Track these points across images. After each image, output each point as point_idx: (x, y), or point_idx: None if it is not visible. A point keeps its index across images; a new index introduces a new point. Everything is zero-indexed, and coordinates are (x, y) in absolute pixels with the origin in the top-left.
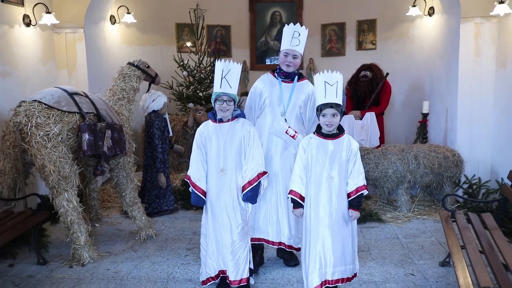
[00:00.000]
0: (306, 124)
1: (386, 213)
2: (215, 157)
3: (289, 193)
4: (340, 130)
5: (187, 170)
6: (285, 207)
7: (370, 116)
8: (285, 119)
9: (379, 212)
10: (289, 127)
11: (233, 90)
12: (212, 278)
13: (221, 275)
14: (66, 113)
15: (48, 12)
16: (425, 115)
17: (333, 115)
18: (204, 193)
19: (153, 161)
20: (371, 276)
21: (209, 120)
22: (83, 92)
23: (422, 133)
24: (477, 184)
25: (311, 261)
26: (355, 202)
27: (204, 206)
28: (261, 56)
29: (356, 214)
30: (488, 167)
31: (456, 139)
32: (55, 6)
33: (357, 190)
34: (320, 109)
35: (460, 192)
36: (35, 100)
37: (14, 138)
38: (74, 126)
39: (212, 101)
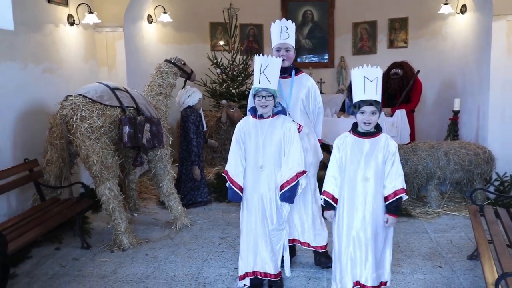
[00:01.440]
0: (311, 117)
1: (415, 208)
2: (254, 154)
3: (321, 194)
4: (378, 129)
5: (220, 165)
6: (300, 201)
7: (401, 113)
8: (289, 114)
9: (408, 208)
10: (293, 120)
11: (272, 85)
12: (248, 274)
13: (254, 276)
14: (108, 107)
15: (91, 12)
16: (456, 113)
17: (372, 113)
18: (241, 189)
19: (188, 155)
20: (399, 267)
21: (249, 115)
22: (124, 88)
23: (453, 130)
24: (509, 181)
25: (343, 266)
26: (393, 206)
27: (241, 202)
28: None
29: (392, 219)
30: None
31: (488, 137)
32: (96, 6)
33: (395, 193)
34: (358, 106)
35: (491, 189)
36: (80, 95)
37: (61, 130)
38: (116, 119)
39: (251, 96)
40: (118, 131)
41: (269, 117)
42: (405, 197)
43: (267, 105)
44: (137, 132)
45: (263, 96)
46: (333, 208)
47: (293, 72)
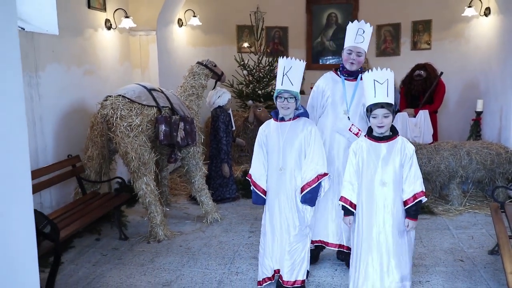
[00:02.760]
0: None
1: (437, 206)
2: (276, 156)
3: (339, 200)
4: (394, 132)
5: (246, 163)
6: (329, 203)
7: (424, 114)
8: (348, 117)
9: (430, 205)
10: (352, 124)
11: (295, 88)
12: (269, 279)
13: (275, 275)
14: (146, 106)
15: (127, 17)
16: (479, 114)
17: (385, 116)
18: (265, 192)
19: (218, 153)
20: (421, 260)
21: (272, 119)
22: (159, 88)
23: (475, 131)
24: None
25: (361, 273)
26: (413, 210)
27: (264, 206)
28: (317, 56)
29: (413, 224)
30: None
31: (510, 137)
32: (131, 11)
33: (414, 197)
34: (370, 109)
35: None
36: (120, 95)
37: (102, 128)
38: (152, 118)
39: (274, 98)
40: (155, 130)
41: (290, 119)
42: (424, 199)
43: (289, 107)
44: (172, 130)
45: (285, 98)
46: (351, 213)
47: (359, 76)
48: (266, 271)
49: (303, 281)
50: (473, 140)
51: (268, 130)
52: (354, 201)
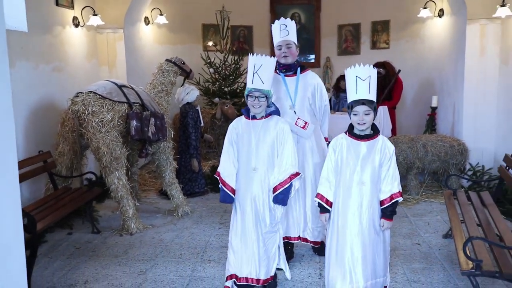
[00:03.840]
0: (318, 116)
1: None
2: (247, 155)
3: (315, 196)
4: (375, 131)
5: (214, 159)
6: (302, 199)
7: (383, 110)
8: (294, 111)
9: None
10: (298, 118)
11: (266, 86)
12: (234, 277)
13: (239, 282)
14: (117, 102)
15: (95, 14)
16: (433, 109)
17: (366, 113)
18: (233, 191)
19: (186, 148)
20: None
21: (242, 116)
22: (129, 85)
23: (430, 125)
24: (480, 171)
25: (339, 273)
26: (389, 211)
27: (233, 204)
28: None
29: (388, 224)
30: (491, 156)
31: (462, 131)
32: (98, 9)
33: (391, 197)
34: (351, 106)
35: (464, 179)
36: (91, 91)
37: (73, 124)
38: (123, 114)
39: (245, 96)
40: (126, 125)
41: (262, 117)
42: (400, 200)
43: (260, 106)
44: (143, 125)
45: (256, 97)
46: (327, 211)
47: (298, 69)
48: (234, 269)
49: (273, 277)
50: (428, 133)
51: (239, 128)
52: (330, 199)
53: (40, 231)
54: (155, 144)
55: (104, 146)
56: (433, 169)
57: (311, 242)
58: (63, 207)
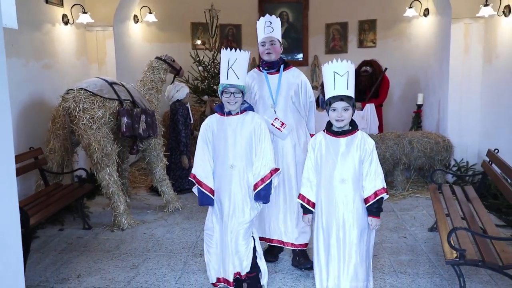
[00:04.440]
0: (303, 113)
1: None
2: (224, 153)
3: (298, 197)
4: (353, 127)
5: None
6: (281, 201)
7: (370, 107)
8: (274, 111)
9: None
10: (275, 118)
11: (241, 81)
12: (223, 278)
13: (222, 284)
14: (108, 99)
15: (85, 12)
16: (419, 106)
17: (344, 109)
18: (212, 192)
19: (177, 145)
20: None
21: (215, 113)
22: (120, 82)
23: (416, 122)
24: (465, 166)
25: (324, 272)
26: (374, 208)
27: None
28: None
29: (376, 221)
30: (475, 152)
31: (447, 128)
32: (87, 7)
33: (375, 194)
34: (329, 103)
35: (449, 174)
36: (82, 88)
37: (64, 121)
38: (114, 111)
39: (219, 93)
40: (117, 122)
41: (237, 113)
42: (386, 196)
43: (236, 102)
44: (134, 122)
45: (231, 93)
46: (310, 212)
47: (282, 67)
48: (217, 272)
49: (254, 274)
50: (414, 130)
51: (214, 126)
52: (312, 199)
53: (32, 226)
54: (145, 140)
55: (95, 142)
56: (419, 165)
57: (292, 245)
58: (54, 203)
